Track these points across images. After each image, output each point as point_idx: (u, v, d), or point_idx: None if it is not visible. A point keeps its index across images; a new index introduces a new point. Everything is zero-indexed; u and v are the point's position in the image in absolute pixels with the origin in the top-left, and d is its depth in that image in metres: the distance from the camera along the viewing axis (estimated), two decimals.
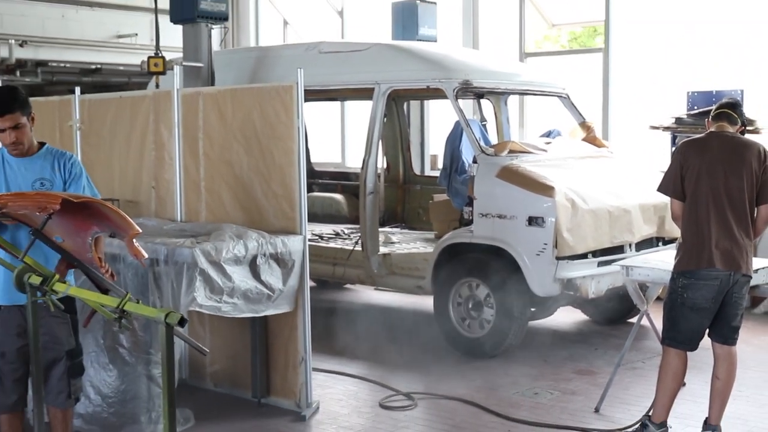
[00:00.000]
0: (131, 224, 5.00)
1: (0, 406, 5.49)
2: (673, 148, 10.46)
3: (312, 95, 9.53)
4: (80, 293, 4.84)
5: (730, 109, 6.31)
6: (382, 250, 9.88)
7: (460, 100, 9.31)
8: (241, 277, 6.57)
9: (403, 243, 10.78)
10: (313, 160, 13.31)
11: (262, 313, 6.82)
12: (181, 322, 4.11)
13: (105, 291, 4.96)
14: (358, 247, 9.81)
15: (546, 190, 8.28)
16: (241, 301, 6.59)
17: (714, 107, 6.44)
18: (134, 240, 5.04)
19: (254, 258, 6.66)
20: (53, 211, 4.92)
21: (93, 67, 16.48)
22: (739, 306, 6.18)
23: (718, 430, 6.27)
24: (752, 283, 6.25)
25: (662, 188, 6.33)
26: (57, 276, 4.91)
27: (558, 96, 10.48)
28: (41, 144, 5.56)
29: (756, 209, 6.17)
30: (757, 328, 9.80)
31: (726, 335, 6.23)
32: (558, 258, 8.20)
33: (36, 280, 4.88)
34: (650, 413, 6.38)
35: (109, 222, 5.07)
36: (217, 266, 6.43)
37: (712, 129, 6.27)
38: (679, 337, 6.21)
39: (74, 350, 5.53)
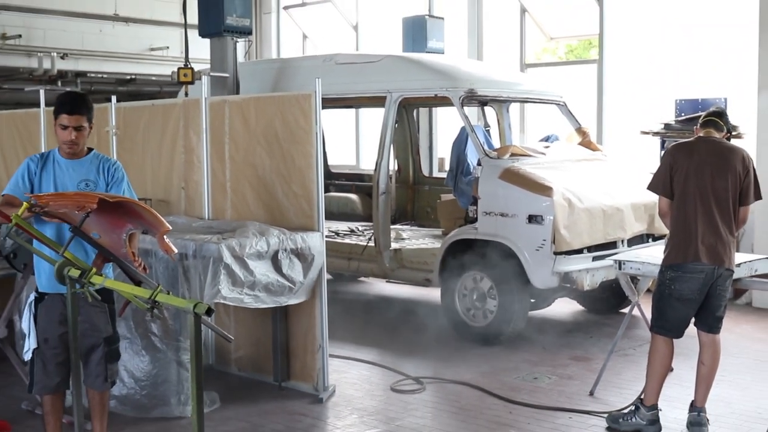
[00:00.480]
0: (162, 222, 5.02)
1: (44, 387, 5.50)
2: (663, 152, 10.43)
3: (329, 103, 9.52)
4: (115, 285, 4.86)
5: (717, 117, 6.32)
6: (394, 245, 9.88)
7: (465, 108, 9.30)
8: (263, 271, 6.58)
9: (413, 239, 10.77)
10: (329, 162, 13.32)
11: (283, 303, 6.83)
12: (208, 312, 4.12)
13: (138, 283, 4.97)
14: (372, 243, 9.81)
15: (545, 190, 8.27)
16: (263, 293, 6.61)
17: (702, 115, 6.43)
18: (165, 236, 5.05)
19: (276, 253, 6.67)
20: (91, 209, 4.95)
21: (128, 77, 16.54)
22: (722, 297, 6.18)
23: (704, 411, 6.26)
24: (735, 276, 6.25)
25: (652, 187, 6.34)
26: (94, 269, 4.94)
27: (556, 104, 10.46)
28: (89, 149, 5.60)
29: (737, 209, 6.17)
30: (739, 317, 9.78)
31: (711, 324, 6.23)
32: (556, 253, 8.20)
33: (75, 273, 4.90)
34: (642, 397, 6.37)
35: (142, 220, 5.09)
36: (241, 261, 6.44)
37: (701, 134, 6.27)
38: (666, 325, 6.21)
39: (111, 337, 5.56)
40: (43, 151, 9.27)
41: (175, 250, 5.18)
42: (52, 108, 9.51)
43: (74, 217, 5.04)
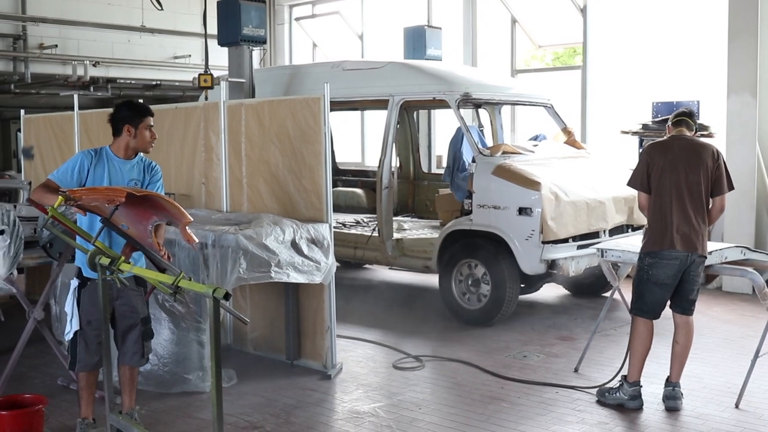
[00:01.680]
0: (184, 214, 5.02)
1: (86, 365, 5.55)
2: (641, 150, 10.41)
3: (336, 106, 9.49)
4: (142, 272, 4.84)
5: (688, 117, 6.33)
6: (396, 235, 9.85)
7: (461, 110, 9.27)
8: (286, 253, 6.57)
9: (413, 230, 10.74)
10: (337, 160, 13.30)
11: (316, 281, 6.80)
12: (226, 296, 4.10)
13: (162, 270, 4.96)
14: (376, 234, 9.79)
15: (533, 185, 8.25)
16: (291, 270, 6.59)
17: (672, 115, 6.43)
18: (187, 227, 5.05)
19: (293, 240, 6.65)
20: (120, 202, 4.95)
21: (154, 83, 16.55)
22: (695, 282, 6.17)
23: (678, 386, 6.26)
24: (706, 263, 6.22)
25: (631, 183, 6.32)
26: (123, 258, 4.92)
27: (543, 106, 10.42)
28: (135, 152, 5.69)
29: (711, 200, 6.15)
30: (710, 301, 9.76)
31: (684, 307, 6.23)
32: (543, 242, 8.18)
33: (105, 261, 4.89)
34: (625, 374, 6.35)
35: (166, 212, 5.09)
36: (262, 246, 6.43)
37: (673, 133, 6.27)
38: (644, 307, 6.19)
39: (147, 317, 5.60)
40: (77, 148, 9.36)
41: (196, 240, 5.17)
42: (85, 111, 9.56)
43: (105, 209, 5.04)
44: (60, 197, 4.98)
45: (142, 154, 5.69)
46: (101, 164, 5.44)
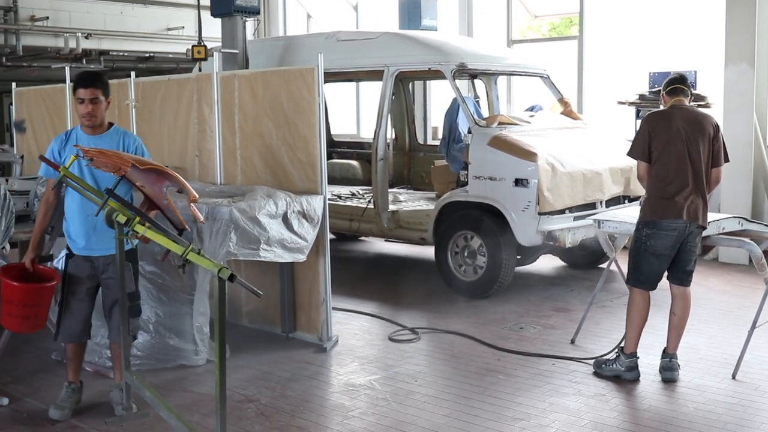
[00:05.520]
0: (191, 190, 4.96)
1: (70, 336, 5.60)
2: (638, 120, 10.36)
3: (331, 77, 9.43)
4: (155, 236, 4.73)
5: (682, 83, 6.25)
6: (391, 207, 9.81)
7: (456, 80, 9.20)
8: (276, 228, 6.53)
9: (409, 201, 10.71)
10: (332, 131, 13.25)
11: (300, 259, 6.76)
12: (231, 278, 4.03)
13: (180, 232, 4.91)
14: (371, 206, 9.74)
15: (530, 156, 8.21)
16: (279, 249, 6.56)
17: (665, 83, 6.34)
18: (192, 204, 5.01)
19: (285, 214, 6.61)
20: (125, 173, 4.90)
21: (147, 55, 16.41)
22: (693, 253, 6.14)
23: (675, 357, 6.25)
24: (704, 234, 6.19)
25: (632, 153, 6.26)
26: (138, 218, 4.85)
27: (540, 76, 10.35)
28: (110, 124, 5.54)
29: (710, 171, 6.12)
30: (707, 272, 9.75)
31: (682, 278, 6.20)
32: (540, 213, 8.15)
33: (122, 218, 4.85)
34: (622, 345, 6.34)
35: (176, 181, 5.01)
36: (254, 220, 6.39)
37: (672, 102, 6.19)
38: (641, 278, 6.17)
39: (134, 294, 5.53)
40: (69, 122, 9.30)
41: (202, 218, 5.12)
42: None
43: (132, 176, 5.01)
44: (72, 156, 5.06)
45: (117, 126, 5.57)
46: (69, 145, 5.38)
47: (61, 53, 15.09)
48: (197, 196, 5.02)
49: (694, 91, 6.39)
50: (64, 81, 9.40)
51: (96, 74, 5.52)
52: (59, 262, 5.59)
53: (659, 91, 8.97)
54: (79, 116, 5.40)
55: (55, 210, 5.55)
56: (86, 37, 15.23)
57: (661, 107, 6.41)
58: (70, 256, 5.49)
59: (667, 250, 6.03)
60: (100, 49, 15.69)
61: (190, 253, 4.38)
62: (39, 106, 9.96)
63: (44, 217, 5.50)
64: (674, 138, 6.00)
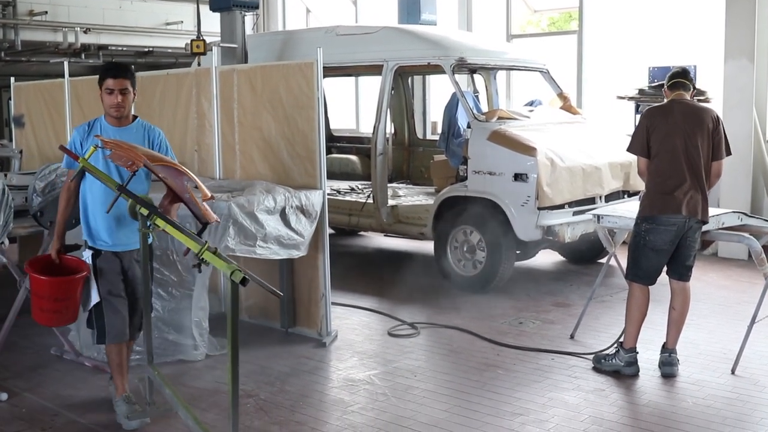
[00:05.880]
0: (204, 189, 4.90)
1: (117, 335, 5.33)
2: (638, 115, 10.35)
3: (330, 71, 9.41)
4: (172, 231, 4.68)
5: (684, 77, 6.21)
6: (391, 202, 9.81)
7: (456, 75, 9.18)
8: (273, 224, 6.51)
9: (408, 196, 10.71)
10: (331, 126, 13.24)
11: (295, 256, 6.74)
12: (243, 282, 3.97)
13: (204, 226, 4.86)
14: (370, 200, 9.73)
15: (529, 150, 8.20)
16: (275, 245, 6.55)
17: (667, 77, 6.32)
18: (204, 203, 4.92)
19: (283, 209, 6.60)
20: (137, 168, 4.86)
21: (146, 50, 16.41)
22: (692, 248, 6.13)
23: (674, 352, 6.24)
24: (703, 228, 6.18)
25: (631, 149, 6.23)
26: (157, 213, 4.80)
27: (539, 71, 10.34)
28: (134, 117, 5.44)
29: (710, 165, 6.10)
30: (706, 267, 9.74)
31: (681, 273, 6.19)
32: (539, 208, 8.14)
33: (144, 211, 4.80)
34: (621, 340, 6.34)
35: (191, 179, 4.95)
36: (252, 216, 6.37)
37: (672, 97, 6.17)
38: (640, 273, 6.16)
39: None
40: (68, 116, 9.29)
41: (214, 216, 5.01)
42: (75, 78, 9.47)
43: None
44: (92, 147, 4.95)
45: (141, 119, 5.46)
46: (91, 135, 5.23)
47: (59, 48, 15.07)
48: (210, 194, 4.96)
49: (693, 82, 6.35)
50: (62, 75, 9.39)
51: (125, 65, 5.41)
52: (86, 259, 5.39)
53: (659, 85, 8.95)
54: (107, 107, 5.27)
55: (76, 199, 5.36)
56: (85, 32, 15.18)
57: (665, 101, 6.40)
58: (96, 254, 5.30)
59: (666, 245, 6.02)
60: (98, 44, 15.67)
61: (205, 252, 4.33)
62: (38, 100, 9.93)
63: (66, 206, 5.30)
64: (672, 132, 5.98)
